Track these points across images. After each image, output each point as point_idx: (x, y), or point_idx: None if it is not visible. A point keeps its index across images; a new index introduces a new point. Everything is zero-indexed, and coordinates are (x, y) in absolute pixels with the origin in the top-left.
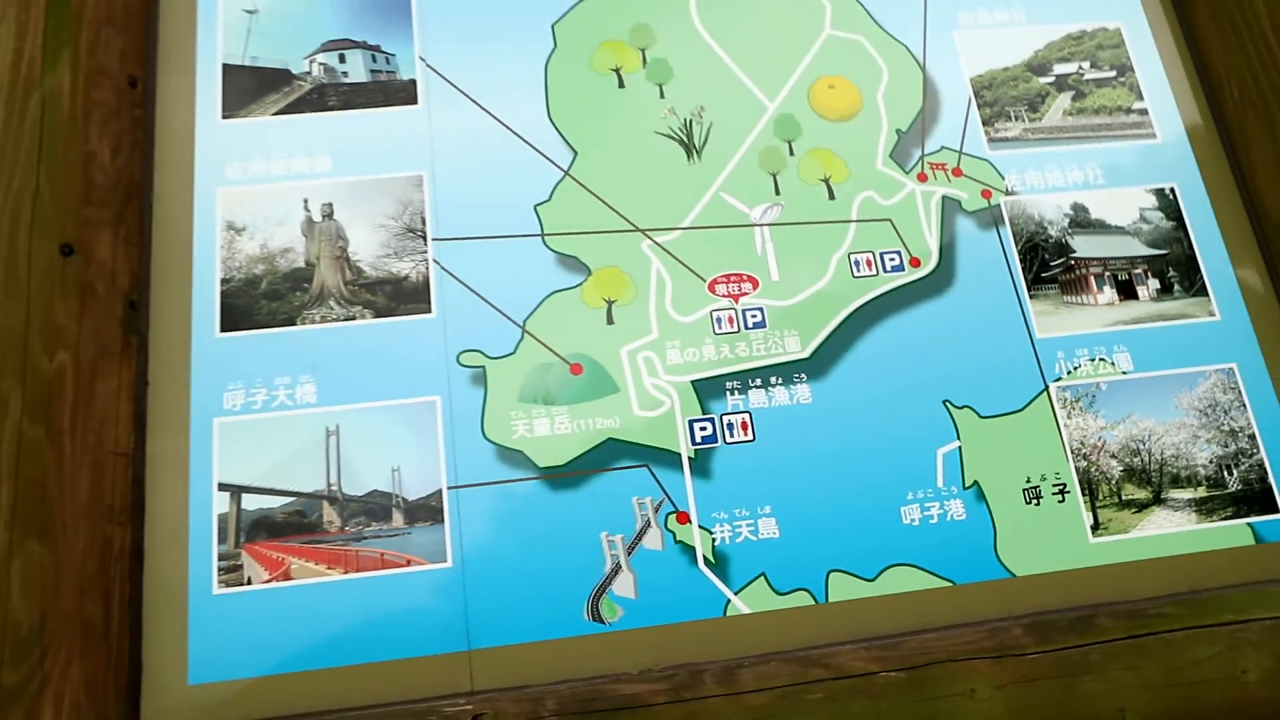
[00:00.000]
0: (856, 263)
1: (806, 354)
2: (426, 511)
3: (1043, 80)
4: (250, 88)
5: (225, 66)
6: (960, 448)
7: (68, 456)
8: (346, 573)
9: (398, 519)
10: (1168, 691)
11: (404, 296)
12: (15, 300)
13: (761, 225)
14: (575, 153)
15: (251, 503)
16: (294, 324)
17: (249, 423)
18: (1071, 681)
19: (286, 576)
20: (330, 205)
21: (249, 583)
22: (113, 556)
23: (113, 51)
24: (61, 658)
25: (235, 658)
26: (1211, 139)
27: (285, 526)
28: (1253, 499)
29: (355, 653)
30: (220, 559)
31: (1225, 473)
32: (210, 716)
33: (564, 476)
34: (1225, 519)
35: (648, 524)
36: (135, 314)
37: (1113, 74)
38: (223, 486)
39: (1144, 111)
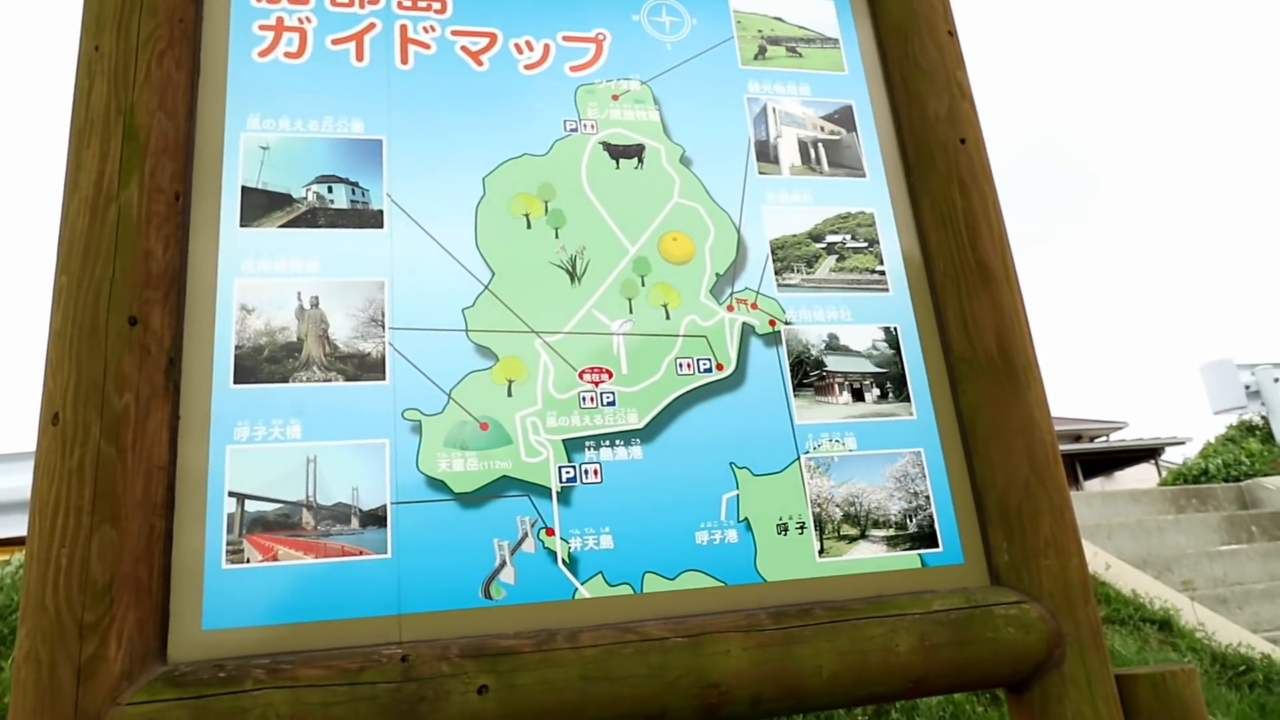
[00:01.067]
0: (681, 365)
1: (641, 425)
2: (375, 519)
3: (818, 245)
4: (262, 205)
5: (243, 188)
6: (738, 495)
7: (129, 467)
8: (317, 558)
9: (355, 523)
10: (849, 656)
11: (367, 367)
12: (97, 356)
13: (618, 334)
14: (493, 273)
15: (252, 506)
16: (287, 381)
17: (252, 450)
18: (790, 648)
19: (275, 558)
20: (316, 298)
21: (248, 561)
22: (155, 538)
23: (165, 174)
24: (122, 606)
25: (236, 612)
26: (924, 296)
27: (275, 524)
28: (923, 538)
29: (320, 612)
30: (228, 544)
31: (908, 520)
32: (216, 652)
33: (471, 500)
34: (904, 550)
35: (525, 535)
36: (174, 367)
37: (866, 244)
38: (231, 494)
39: (883, 273)
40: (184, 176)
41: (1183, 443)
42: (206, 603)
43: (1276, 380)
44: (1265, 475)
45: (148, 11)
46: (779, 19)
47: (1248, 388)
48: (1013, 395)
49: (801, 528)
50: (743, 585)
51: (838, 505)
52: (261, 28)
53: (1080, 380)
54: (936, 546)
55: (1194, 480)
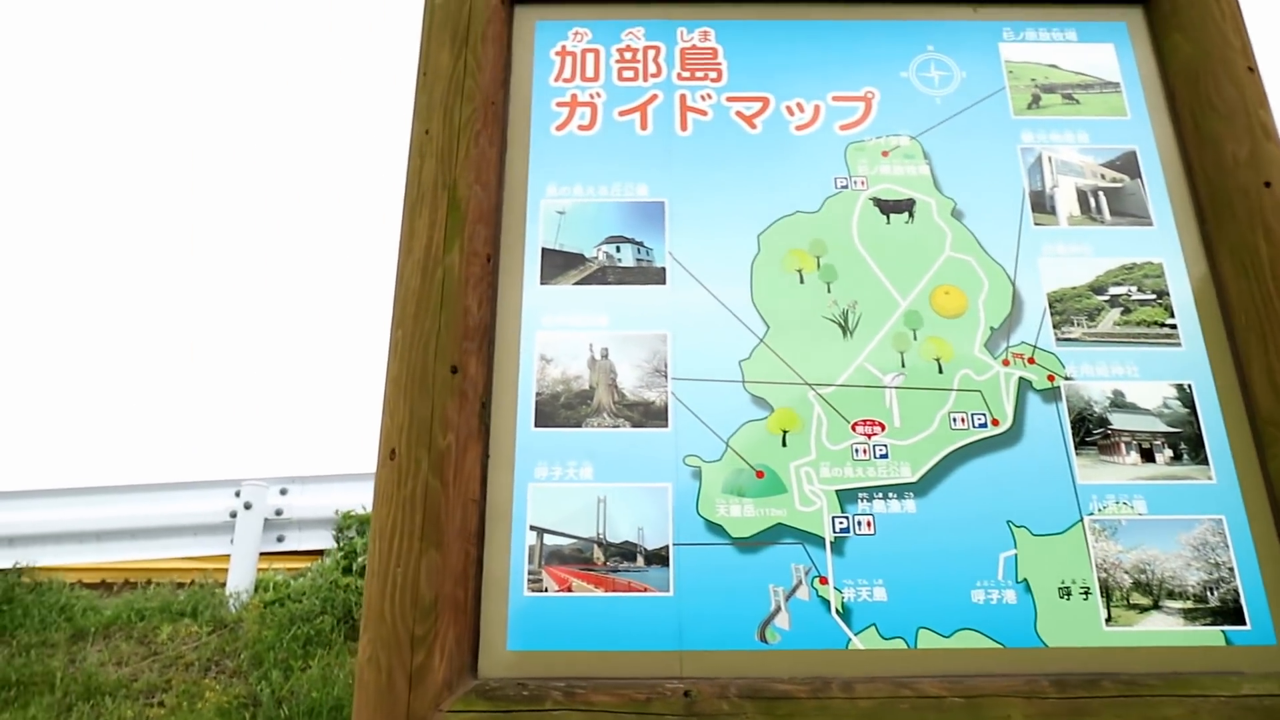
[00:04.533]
0: (955, 419)
1: (915, 479)
2: (658, 558)
3: (1100, 298)
4: (559, 264)
5: (543, 249)
6: (1016, 554)
7: (450, 499)
8: (606, 592)
9: (640, 561)
10: None
11: (651, 415)
12: (426, 401)
13: (890, 388)
14: (768, 327)
15: (550, 540)
16: (580, 426)
17: (550, 488)
18: (1076, 719)
19: (569, 589)
20: (606, 349)
21: (546, 590)
22: (470, 563)
23: (480, 239)
24: (444, 622)
25: (536, 636)
26: (1222, 351)
27: (569, 558)
28: (1227, 613)
29: (608, 642)
30: (529, 573)
31: (1208, 592)
32: (518, 671)
33: (747, 545)
34: (1205, 624)
35: (800, 582)
36: (485, 412)
37: (1153, 297)
38: (533, 528)
39: (1174, 326)
40: (494, 240)
41: None
42: (511, 625)
43: None
44: None
45: (467, 98)
46: (1054, 66)
47: None
48: None
49: (1086, 593)
50: (1022, 649)
51: (1126, 571)
52: (558, 105)
53: None
54: (1243, 624)
55: None
